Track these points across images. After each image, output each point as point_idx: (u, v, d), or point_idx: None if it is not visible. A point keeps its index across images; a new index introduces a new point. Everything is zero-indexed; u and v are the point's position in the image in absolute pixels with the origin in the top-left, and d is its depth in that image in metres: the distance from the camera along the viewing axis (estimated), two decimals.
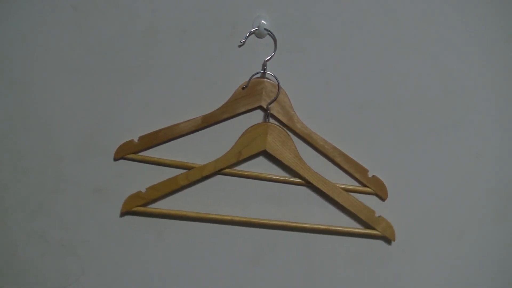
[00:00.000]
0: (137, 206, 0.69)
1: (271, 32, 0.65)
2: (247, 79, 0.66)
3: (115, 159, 0.69)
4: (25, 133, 0.69)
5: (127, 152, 0.68)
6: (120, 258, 0.73)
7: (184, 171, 0.69)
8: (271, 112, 0.67)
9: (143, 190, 0.68)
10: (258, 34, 0.66)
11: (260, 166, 0.70)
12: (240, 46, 0.66)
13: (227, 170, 0.69)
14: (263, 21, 0.65)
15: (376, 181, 0.70)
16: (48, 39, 0.65)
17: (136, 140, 0.68)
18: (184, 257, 0.74)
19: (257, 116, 0.68)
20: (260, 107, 0.67)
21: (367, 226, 0.71)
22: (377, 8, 0.66)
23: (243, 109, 0.67)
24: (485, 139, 0.71)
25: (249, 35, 0.65)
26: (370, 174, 0.70)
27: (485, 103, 0.70)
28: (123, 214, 0.71)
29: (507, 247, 0.76)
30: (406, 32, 0.67)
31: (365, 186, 0.71)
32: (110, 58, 0.66)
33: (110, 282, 0.74)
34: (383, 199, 0.71)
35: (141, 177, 0.69)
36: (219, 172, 0.69)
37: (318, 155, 0.70)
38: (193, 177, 0.68)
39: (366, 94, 0.69)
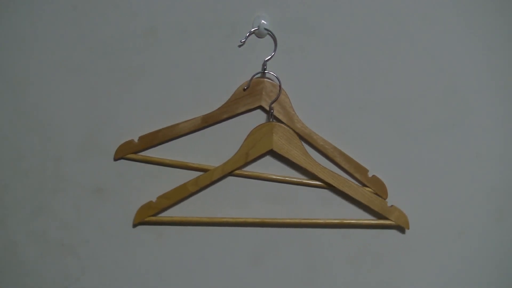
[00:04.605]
0: (149, 216, 0.69)
1: (271, 32, 0.65)
2: (247, 79, 0.66)
3: (115, 159, 0.69)
4: (25, 133, 0.69)
5: (127, 152, 0.68)
6: (120, 258, 0.73)
7: (184, 171, 0.69)
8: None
9: (143, 190, 0.68)
10: (258, 34, 0.66)
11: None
12: (240, 46, 0.66)
13: (235, 172, 0.69)
14: (263, 21, 0.65)
15: (376, 181, 0.70)
16: (48, 39, 0.65)
17: (136, 140, 0.68)
18: (184, 257, 0.74)
19: (257, 116, 0.68)
20: (260, 107, 0.67)
21: (379, 217, 0.71)
22: (377, 8, 0.66)
23: (243, 109, 0.67)
24: (485, 139, 0.71)
25: (249, 35, 0.65)
26: (370, 174, 0.70)
27: (486, 103, 0.70)
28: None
29: (507, 247, 0.76)
30: (406, 32, 0.67)
31: (365, 186, 0.71)
32: (110, 58, 0.66)
33: (110, 282, 0.74)
34: (383, 199, 0.71)
35: (141, 177, 0.70)
36: (227, 174, 0.69)
37: (318, 155, 0.70)
38: (203, 182, 0.68)
39: (366, 94, 0.69)
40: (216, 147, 0.69)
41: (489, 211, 0.74)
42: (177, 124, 0.67)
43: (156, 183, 0.69)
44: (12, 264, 0.73)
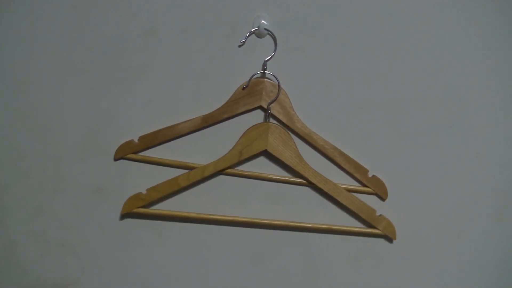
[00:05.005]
0: (137, 208, 0.69)
1: (271, 32, 0.65)
2: (247, 79, 0.66)
3: (115, 159, 0.69)
4: (25, 133, 0.69)
5: (127, 152, 0.68)
6: (120, 258, 0.73)
7: (184, 171, 0.69)
8: (271, 112, 0.67)
9: (143, 190, 0.68)
10: (258, 34, 0.66)
11: (261, 166, 0.70)
12: (240, 46, 0.66)
13: (228, 170, 0.69)
14: (263, 21, 0.65)
15: (376, 181, 0.70)
16: (48, 39, 0.65)
17: (136, 140, 0.68)
18: (184, 257, 0.74)
19: (257, 116, 0.68)
20: (260, 107, 0.67)
21: (368, 225, 0.71)
22: (377, 8, 0.66)
23: (243, 109, 0.67)
24: (485, 139, 0.71)
25: (249, 35, 0.65)
26: (370, 174, 0.70)
27: (486, 103, 0.70)
28: (123, 216, 0.71)
29: (507, 247, 0.76)
30: (406, 32, 0.67)
31: (365, 186, 0.71)
32: (110, 58, 0.66)
33: (110, 282, 0.74)
34: (383, 199, 0.72)
35: (141, 177, 0.69)
36: (220, 172, 0.69)
37: (318, 155, 0.70)
38: (194, 177, 0.68)
39: (366, 94, 0.69)
40: (216, 147, 0.69)
41: (489, 211, 0.74)
42: (177, 124, 0.67)
43: (156, 183, 0.69)
44: (12, 264, 0.73)
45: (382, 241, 0.74)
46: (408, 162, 0.72)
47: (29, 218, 0.71)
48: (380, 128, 0.70)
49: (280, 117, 0.67)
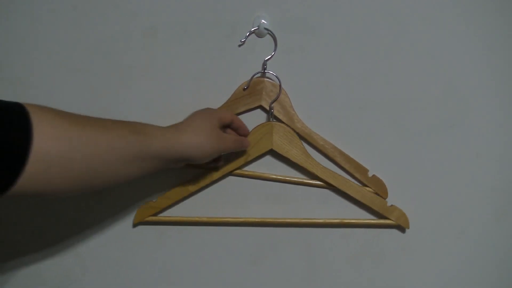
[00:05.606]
0: (149, 216, 0.69)
1: (271, 32, 0.65)
2: (247, 79, 0.66)
3: None
4: None
5: None
6: (120, 258, 0.73)
7: (184, 170, 0.68)
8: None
9: (143, 189, 0.68)
10: (258, 34, 0.66)
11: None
12: (240, 45, 0.66)
13: (235, 172, 0.69)
14: (263, 21, 0.65)
15: (376, 180, 0.70)
16: (48, 39, 0.65)
17: None
18: (185, 257, 0.74)
19: (258, 116, 0.68)
20: (260, 107, 0.67)
21: (380, 217, 0.71)
22: (377, 8, 0.66)
23: (243, 109, 0.67)
24: (485, 139, 0.71)
25: (249, 34, 0.65)
26: (370, 174, 0.70)
27: (485, 103, 0.70)
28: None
29: (507, 247, 0.76)
30: (406, 32, 0.67)
31: (365, 185, 0.71)
32: (110, 58, 0.66)
33: (110, 282, 0.74)
34: (383, 199, 0.71)
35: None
36: (227, 174, 0.69)
37: (318, 154, 0.70)
38: (203, 182, 0.68)
39: (366, 94, 0.69)
40: None
41: (489, 211, 0.74)
42: None
43: (156, 183, 0.69)
44: (12, 264, 0.73)
45: (381, 241, 0.74)
46: (408, 162, 0.72)
47: (29, 218, 0.71)
48: (380, 128, 0.70)
49: (280, 116, 0.67)
